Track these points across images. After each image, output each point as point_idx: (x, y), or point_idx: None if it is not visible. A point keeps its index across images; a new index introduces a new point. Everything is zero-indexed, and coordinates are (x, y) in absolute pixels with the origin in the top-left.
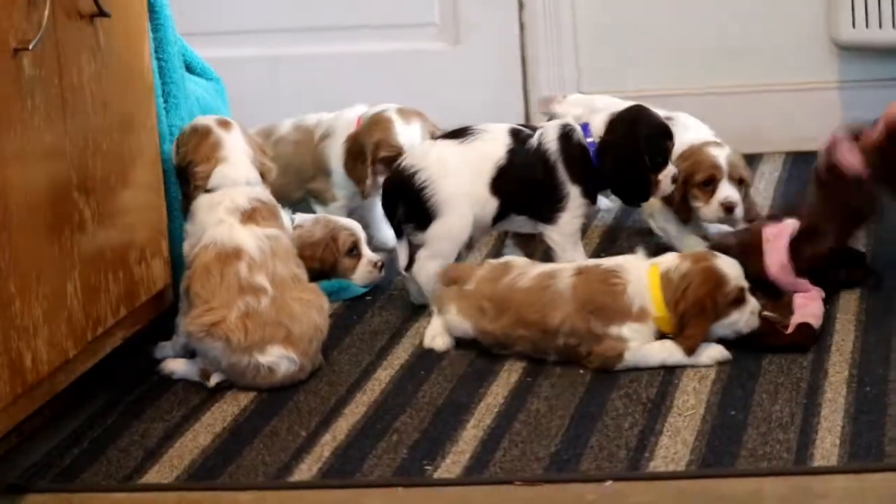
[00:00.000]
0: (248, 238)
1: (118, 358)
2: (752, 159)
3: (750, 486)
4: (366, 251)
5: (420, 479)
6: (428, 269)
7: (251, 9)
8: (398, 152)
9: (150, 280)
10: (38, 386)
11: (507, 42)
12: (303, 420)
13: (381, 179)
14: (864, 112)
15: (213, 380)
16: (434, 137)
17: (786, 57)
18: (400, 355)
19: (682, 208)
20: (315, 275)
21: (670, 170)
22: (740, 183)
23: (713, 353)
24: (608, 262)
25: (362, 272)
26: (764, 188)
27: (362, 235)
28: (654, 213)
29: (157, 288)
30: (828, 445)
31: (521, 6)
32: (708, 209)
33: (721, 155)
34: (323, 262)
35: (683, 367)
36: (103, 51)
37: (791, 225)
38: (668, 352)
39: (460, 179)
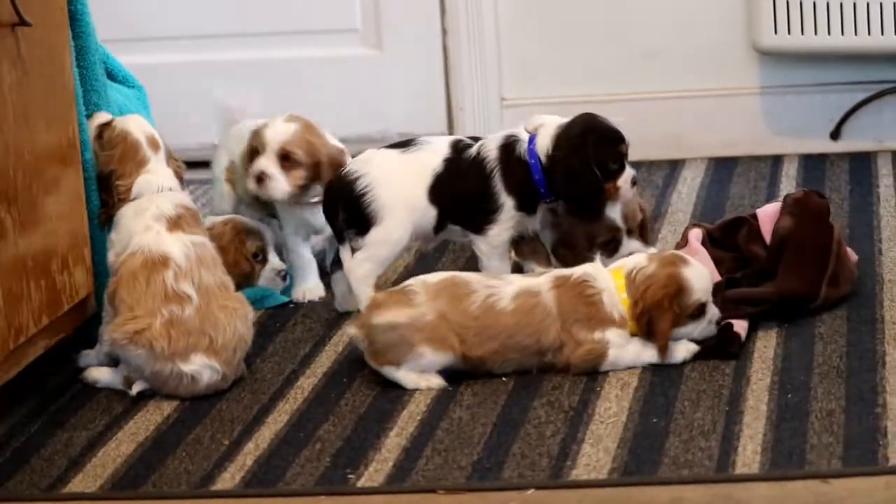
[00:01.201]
0: (175, 245)
1: (41, 367)
2: (675, 165)
3: (672, 494)
4: (272, 258)
5: (343, 487)
6: (361, 270)
7: (174, 15)
8: None
9: (73, 288)
10: None
11: (430, 47)
12: (225, 429)
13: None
14: (784, 117)
15: (136, 388)
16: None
17: (707, 62)
18: (323, 363)
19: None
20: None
21: (628, 174)
22: (642, 225)
23: (684, 350)
24: (575, 271)
25: (265, 278)
26: (686, 194)
27: (269, 240)
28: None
29: (80, 296)
30: (749, 453)
31: (443, 11)
32: (615, 258)
33: (617, 213)
34: (231, 264)
35: (659, 365)
36: (24, 60)
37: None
38: (645, 352)
39: (399, 187)
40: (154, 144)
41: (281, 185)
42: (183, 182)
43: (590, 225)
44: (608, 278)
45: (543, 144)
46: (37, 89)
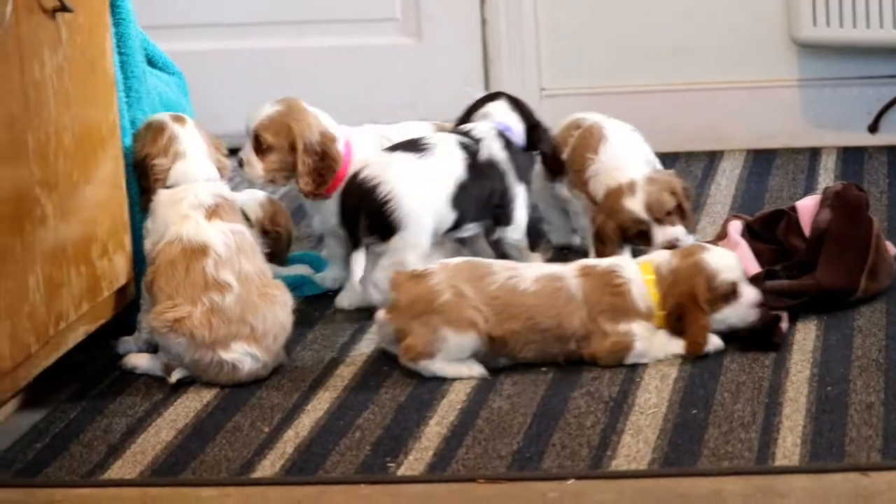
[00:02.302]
0: (215, 234)
1: (81, 353)
2: (713, 157)
3: (711, 486)
4: None
5: (383, 476)
6: (384, 274)
7: (213, 3)
8: None
9: (113, 275)
10: (0, 381)
11: (469, 37)
12: (265, 416)
13: None
14: (823, 110)
15: (175, 375)
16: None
17: (746, 54)
18: (362, 351)
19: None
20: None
21: None
22: (670, 214)
23: (716, 341)
24: (602, 261)
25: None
26: (725, 185)
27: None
28: (578, 212)
29: (120, 283)
30: (789, 445)
31: (482, 1)
32: (654, 248)
33: (638, 205)
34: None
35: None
36: (65, 46)
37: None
38: (671, 344)
39: (422, 195)
40: (179, 119)
41: (254, 170)
42: (225, 173)
43: (615, 218)
44: (636, 270)
45: (517, 127)
46: (78, 75)
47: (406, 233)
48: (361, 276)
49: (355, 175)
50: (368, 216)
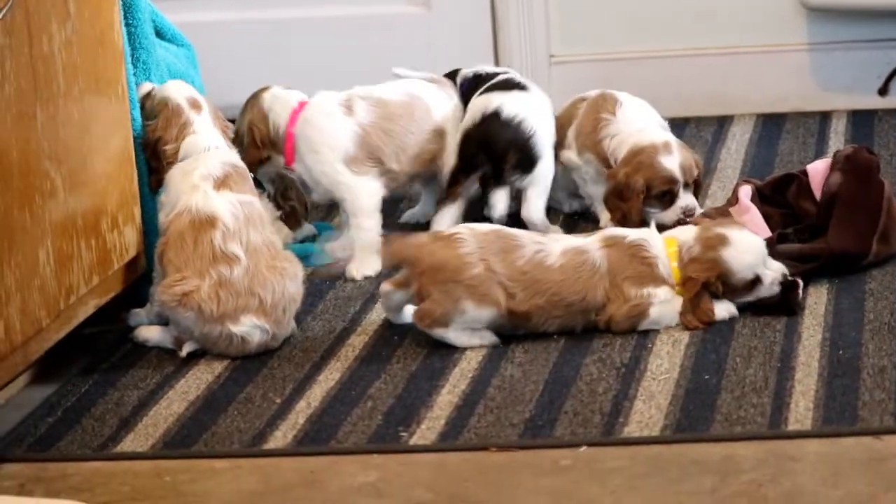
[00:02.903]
0: (222, 205)
1: (92, 326)
2: (723, 121)
3: (724, 451)
4: None
5: (395, 445)
6: (539, 205)
7: None
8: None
9: (123, 247)
10: (12, 355)
11: (478, 4)
12: (277, 387)
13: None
14: (833, 74)
15: (186, 349)
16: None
17: (755, 19)
18: (373, 321)
19: (632, 221)
20: None
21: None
22: (693, 183)
23: (722, 311)
24: (628, 234)
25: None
26: (735, 150)
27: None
28: (585, 178)
29: (130, 255)
30: (802, 409)
31: None
32: (666, 216)
33: (675, 164)
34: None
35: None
36: (73, 18)
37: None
38: (677, 316)
39: (547, 124)
40: (196, 106)
41: None
42: (230, 140)
43: (646, 173)
44: (662, 245)
45: None
46: (86, 48)
47: (544, 161)
48: (503, 213)
49: (492, 115)
50: (519, 151)
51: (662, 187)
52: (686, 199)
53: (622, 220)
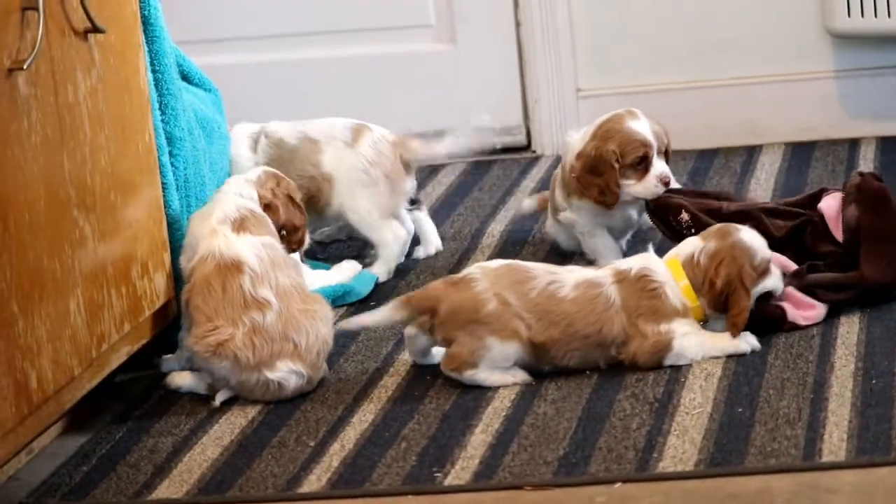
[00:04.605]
0: (246, 249)
1: (124, 373)
2: (752, 151)
3: (759, 484)
4: None
5: (430, 486)
6: None
7: (245, 15)
8: None
9: (154, 294)
10: (45, 405)
11: (504, 40)
12: (310, 430)
13: None
14: (860, 100)
15: (220, 397)
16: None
17: (781, 47)
18: (406, 361)
19: (611, 193)
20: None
21: None
22: (666, 152)
23: (752, 340)
24: (632, 265)
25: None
26: (765, 180)
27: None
28: (584, 232)
29: (161, 302)
30: (836, 440)
31: (516, 4)
32: (642, 186)
33: (646, 128)
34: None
35: (729, 355)
36: (98, 67)
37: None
38: (708, 343)
39: None
40: None
41: None
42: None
43: (616, 139)
44: (665, 270)
45: None
46: (112, 96)
47: None
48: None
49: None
50: None
51: (637, 153)
52: (660, 165)
53: (600, 197)
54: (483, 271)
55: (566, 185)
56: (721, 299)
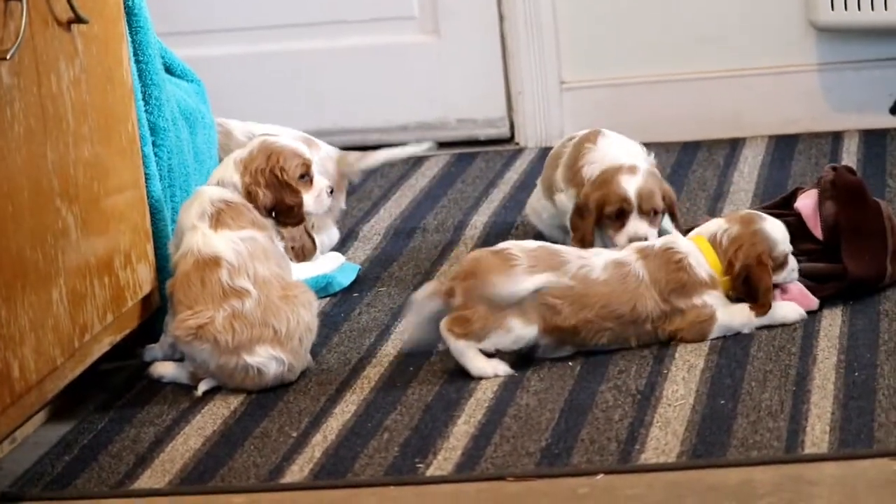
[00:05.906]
0: (223, 245)
1: (107, 363)
2: (735, 144)
3: (741, 476)
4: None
5: (412, 477)
6: None
7: (228, 7)
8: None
9: (137, 284)
10: (27, 395)
11: (488, 32)
12: (293, 421)
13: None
14: (844, 94)
15: (202, 387)
16: None
17: (765, 41)
18: (389, 353)
19: (588, 237)
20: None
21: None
22: (654, 214)
23: (791, 311)
24: (654, 241)
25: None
26: (748, 173)
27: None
28: (568, 208)
29: (144, 292)
30: (818, 432)
31: None
32: (617, 239)
33: (631, 186)
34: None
35: (766, 327)
36: (81, 57)
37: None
38: (746, 316)
39: None
40: None
41: None
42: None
43: (603, 190)
44: (688, 242)
45: None
46: (95, 86)
47: None
48: None
49: None
50: None
51: (614, 206)
52: (637, 226)
53: (581, 242)
54: (521, 251)
55: (566, 170)
56: (738, 282)
